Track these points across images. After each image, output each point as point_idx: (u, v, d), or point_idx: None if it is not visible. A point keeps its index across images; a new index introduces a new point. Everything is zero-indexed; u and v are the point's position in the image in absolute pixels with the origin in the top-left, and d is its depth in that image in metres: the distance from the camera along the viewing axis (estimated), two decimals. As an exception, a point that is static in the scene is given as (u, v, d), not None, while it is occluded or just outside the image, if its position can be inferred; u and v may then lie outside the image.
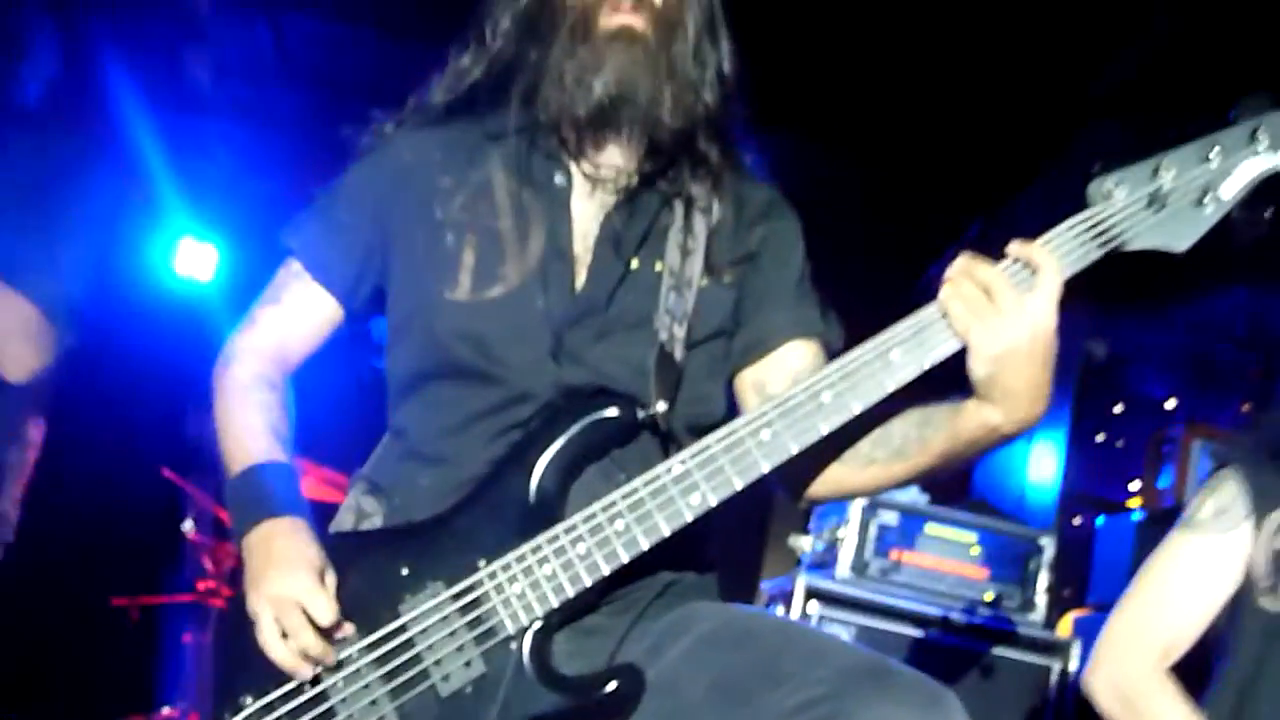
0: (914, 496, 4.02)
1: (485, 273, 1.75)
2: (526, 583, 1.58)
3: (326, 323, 1.88)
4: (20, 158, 2.54)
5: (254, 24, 5.24)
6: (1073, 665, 3.75)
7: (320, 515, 1.88)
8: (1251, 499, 2.27)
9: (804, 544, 4.05)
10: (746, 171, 1.90)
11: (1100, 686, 2.27)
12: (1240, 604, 2.26)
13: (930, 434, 1.69)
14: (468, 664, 1.58)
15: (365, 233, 1.84)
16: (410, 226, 1.81)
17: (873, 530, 3.87)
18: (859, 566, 3.84)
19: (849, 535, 3.86)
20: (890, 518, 3.89)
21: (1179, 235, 1.62)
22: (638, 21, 1.75)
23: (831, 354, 1.74)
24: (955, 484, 4.89)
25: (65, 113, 2.74)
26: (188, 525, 5.57)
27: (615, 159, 1.80)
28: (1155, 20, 4.45)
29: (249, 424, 1.77)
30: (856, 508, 3.87)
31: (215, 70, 5.38)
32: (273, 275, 1.92)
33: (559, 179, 1.80)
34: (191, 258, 5.76)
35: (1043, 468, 5.92)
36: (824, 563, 3.92)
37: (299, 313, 1.87)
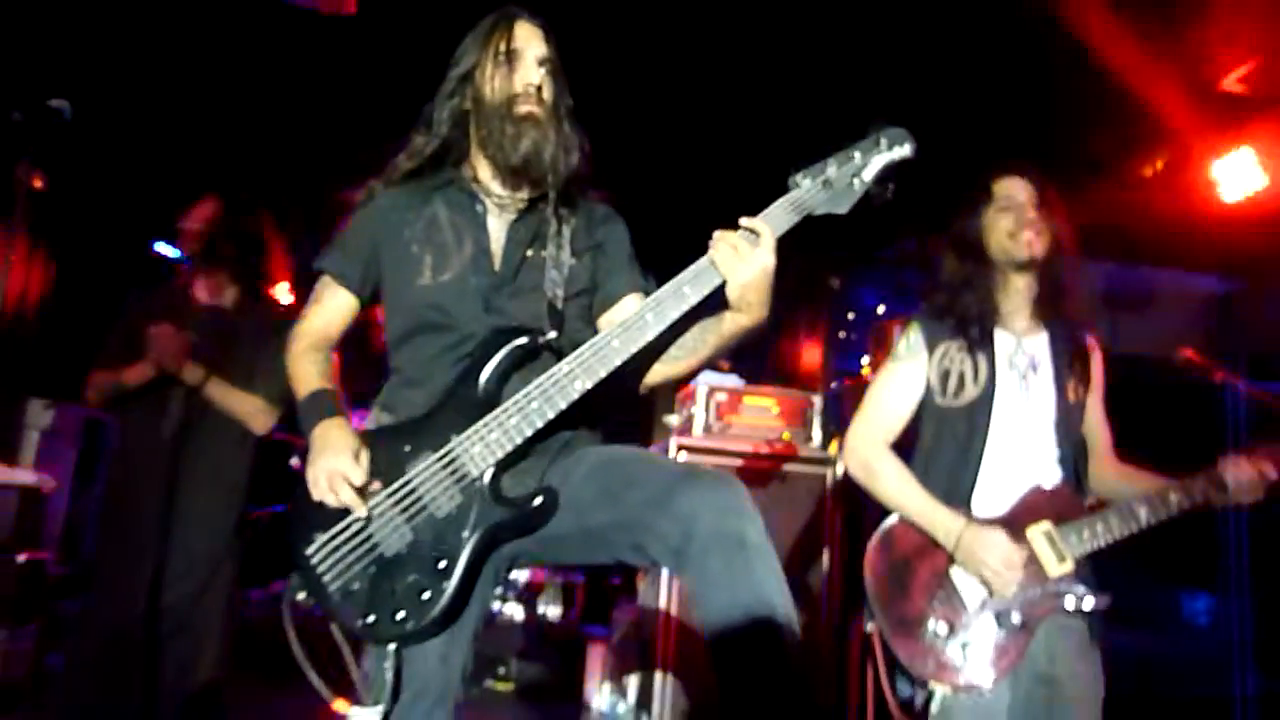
0: (735, 381, 4.07)
1: (439, 266, 1.75)
2: (482, 444, 1.61)
3: (349, 310, 1.85)
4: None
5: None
6: (839, 471, 3.81)
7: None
8: (926, 339, 2.32)
9: (673, 420, 4.08)
10: (589, 195, 1.89)
11: (849, 459, 2.31)
12: (926, 404, 2.31)
13: (708, 336, 1.74)
14: (451, 497, 1.60)
15: (364, 252, 1.82)
16: (390, 244, 1.80)
17: (712, 405, 3.91)
18: (706, 428, 3.89)
19: (698, 410, 3.91)
20: (722, 396, 3.93)
21: (841, 204, 1.67)
22: (539, 111, 1.74)
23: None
24: (761, 372, 4.98)
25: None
26: (294, 460, 5.50)
27: (518, 193, 1.80)
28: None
29: (307, 371, 1.76)
30: (701, 393, 3.91)
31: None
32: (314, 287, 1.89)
33: (478, 207, 1.79)
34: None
35: (811, 356, 6.08)
36: (685, 429, 3.95)
37: (331, 306, 1.84)
